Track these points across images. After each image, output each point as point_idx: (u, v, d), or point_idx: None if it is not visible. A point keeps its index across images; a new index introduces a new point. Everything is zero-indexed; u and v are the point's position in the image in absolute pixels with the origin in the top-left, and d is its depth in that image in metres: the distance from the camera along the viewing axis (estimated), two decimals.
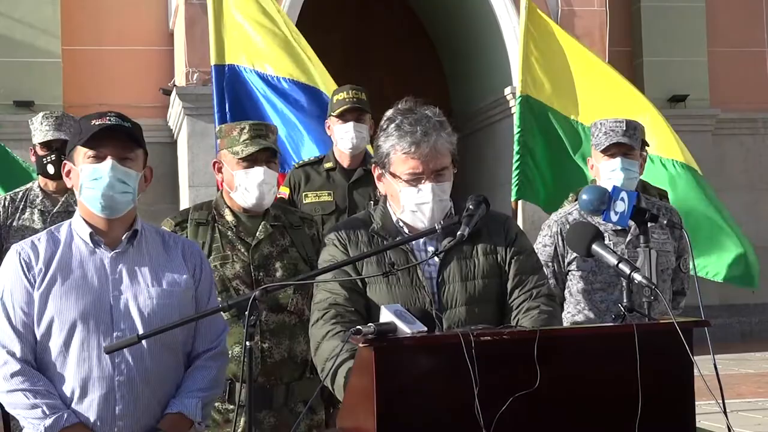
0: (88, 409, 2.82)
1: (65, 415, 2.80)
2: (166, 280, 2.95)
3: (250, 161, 3.63)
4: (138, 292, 2.90)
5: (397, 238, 3.03)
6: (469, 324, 2.77)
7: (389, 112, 3.06)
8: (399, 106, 3.07)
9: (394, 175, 3.01)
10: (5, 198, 4.82)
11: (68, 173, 2.97)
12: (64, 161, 2.98)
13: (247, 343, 2.53)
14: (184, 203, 11.70)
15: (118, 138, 2.88)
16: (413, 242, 3.03)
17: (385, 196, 3.13)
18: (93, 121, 2.89)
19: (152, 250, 2.99)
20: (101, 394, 2.82)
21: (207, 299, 3.05)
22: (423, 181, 2.97)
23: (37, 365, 2.85)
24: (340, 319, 2.93)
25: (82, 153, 2.90)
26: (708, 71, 14.06)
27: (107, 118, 2.89)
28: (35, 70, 12.50)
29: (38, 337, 2.85)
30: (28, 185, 4.91)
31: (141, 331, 2.81)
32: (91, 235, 2.92)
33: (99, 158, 2.87)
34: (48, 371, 2.85)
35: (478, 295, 2.99)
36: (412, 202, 2.99)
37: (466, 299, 2.98)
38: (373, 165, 3.12)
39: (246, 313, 2.54)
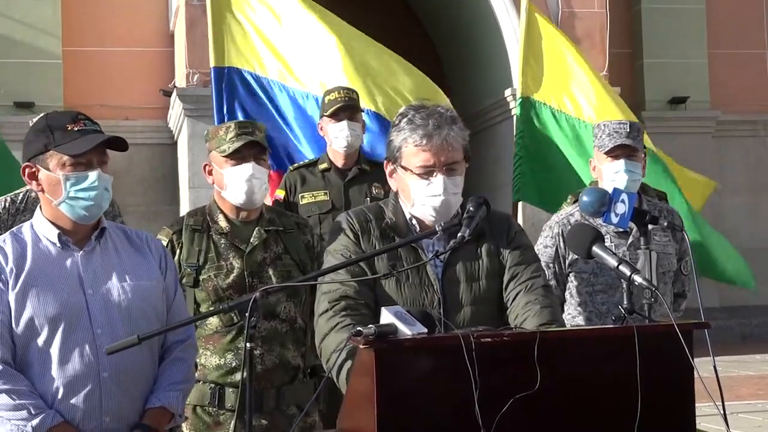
0: (76, 405, 2.82)
1: (51, 414, 2.80)
2: (137, 274, 2.96)
3: (238, 158, 3.63)
4: (112, 288, 2.90)
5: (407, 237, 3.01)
6: (476, 324, 2.75)
7: (401, 109, 3.07)
8: (410, 104, 3.08)
9: (405, 169, 3.00)
10: (6, 199, 4.82)
11: (33, 175, 2.91)
12: (27, 163, 2.92)
13: (247, 344, 2.53)
14: (184, 205, 11.69)
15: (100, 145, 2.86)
16: (423, 241, 3.01)
17: (396, 192, 3.12)
18: (68, 126, 2.85)
19: (119, 246, 3.00)
20: (88, 390, 2.83)
21: (174, 290, 3.06)
22: (434, 174, 2.96)
23: (18, 366, 2.83)
24: (350, 311, 2.92)
25: (59, 159, 2.85)
26: (708, 73, 14.06)
27: (82, 123, 2.86)
28: (35, 71, 12.48)
29: (18, 338, 2.83)
30: (28, 186, 4.90)
31: (121, 326, 2.85)
32: (58, 235, 2.91)
33: (86, 165, 2.84)
34: (30, 371, 2.83)
35: (483, 295, 3.00)
36: (423, 195, 2.98)
37: (471, 299, 2.99)
38: (386, 161, 3.11)
39: (247, 314, 2.53)
